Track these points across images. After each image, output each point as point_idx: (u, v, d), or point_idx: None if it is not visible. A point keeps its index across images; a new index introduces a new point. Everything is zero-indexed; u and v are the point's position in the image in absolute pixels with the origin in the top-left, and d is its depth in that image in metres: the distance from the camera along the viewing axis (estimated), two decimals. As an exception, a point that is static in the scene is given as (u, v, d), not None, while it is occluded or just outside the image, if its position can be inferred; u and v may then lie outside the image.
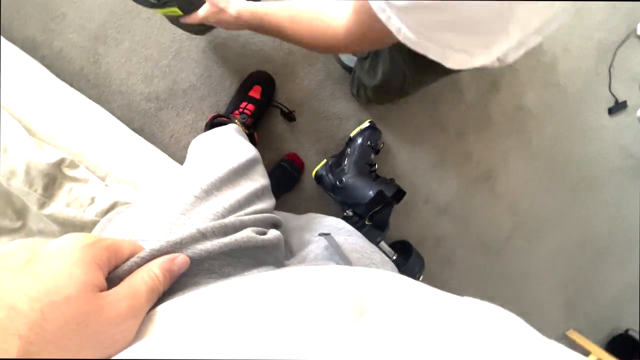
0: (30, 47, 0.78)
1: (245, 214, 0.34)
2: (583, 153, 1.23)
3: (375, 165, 0.94)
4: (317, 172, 0.96)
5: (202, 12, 0.57)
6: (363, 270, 0.23)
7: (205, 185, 0.35)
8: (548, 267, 1.34)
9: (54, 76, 0.74)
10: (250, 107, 0.82)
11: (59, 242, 0.18)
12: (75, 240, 0.18)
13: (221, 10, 0.55)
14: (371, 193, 0.85)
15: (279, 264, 0.35)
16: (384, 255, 0.45)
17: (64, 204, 0.55)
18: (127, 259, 0.22)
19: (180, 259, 0.23)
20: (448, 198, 1.13)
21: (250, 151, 0.45)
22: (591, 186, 1.28)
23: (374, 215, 0.85)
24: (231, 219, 0.31)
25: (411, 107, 1.01)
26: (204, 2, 0.57)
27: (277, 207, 0.97)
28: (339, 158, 0.95)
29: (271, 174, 0.94)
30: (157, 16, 0.81)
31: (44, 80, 0.70)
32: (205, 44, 0.85)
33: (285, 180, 0.95)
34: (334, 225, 0.51)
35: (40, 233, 0.57)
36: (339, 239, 0.41)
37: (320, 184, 0.96)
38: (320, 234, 0.37)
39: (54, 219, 0.54)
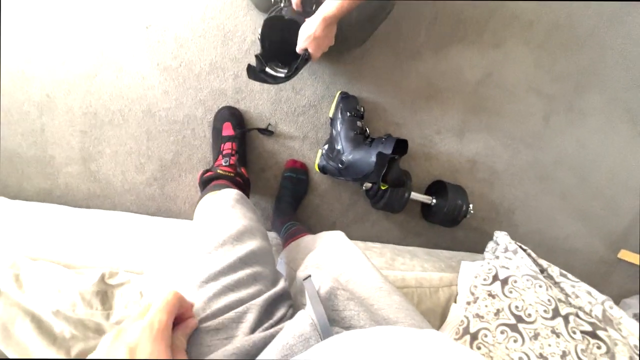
0: (45, 196, 0.90)
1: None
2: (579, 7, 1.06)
3: (366, 130, 0.91)
4: (318, 164, 0.96)
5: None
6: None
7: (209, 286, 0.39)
8: (605, 127, 1.18)
9: (72, 208, 0.85)
10: (229, 145, 0.85)
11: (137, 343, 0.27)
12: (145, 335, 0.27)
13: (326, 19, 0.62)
14: (373, 159, 0.83)
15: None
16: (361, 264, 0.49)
17: (123, 308, 0.63)
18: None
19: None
20: (459, 118, 1.05)
21: (225, 233, 0.46)
22: (608, 27, 1.09)
23: (386, 176, 0.83)
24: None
25: (372, 55, 0.96)
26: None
27: (300, 213, 1.00)
28: (330, 142, 0.94)
29: (282, 189, 0.97)
30: (117, 115, 0.88)
31: (67, 216, 0.80)
32: (165, 113, 0.90)
33: (297, 188, 0.97)
34: (323, 253, 0.53)
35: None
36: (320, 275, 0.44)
37: (327, 173, 0.96)
38: (304, 279, 0.40)
39: (122, 323, 0.62)
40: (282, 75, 0.73)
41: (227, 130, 0.88)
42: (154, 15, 0.84)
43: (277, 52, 0.74)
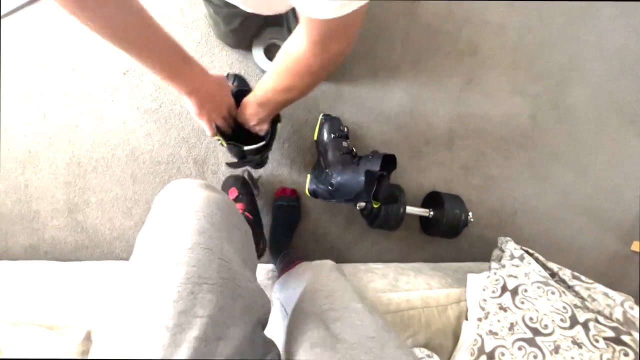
0: (32, 253, 0.88)
1: None
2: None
3: (353, 149, 0.90)
4: (309, 189, 0.94)
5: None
6: None
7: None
8: (594, 119, 1.17)
9: (59, 263, 0.82)
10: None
11: None
12: None
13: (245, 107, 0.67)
14: (362, 178, 0.81)
15: None
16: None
17: (111, 366, 0.59)
18: None
19: None
20: (446, 127, 1.05)
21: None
22: (579, 23, 1.11)
23: (377, 194, 0.81)
24: None
25: (350, 75, 0.97)
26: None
27: (296, 239, 0.97)
28: (318, 165, 0.92)
29: (274, 219, 0.94)
30: (100, 163, 0.87)
31: (53, 273, 0.77)
32: (149, 155, 0.89)
33: (289, 216, 0.94)
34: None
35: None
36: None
37: (319, 197, 0.94)
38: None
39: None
40: (262, 142, 0.69)
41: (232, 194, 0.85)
42: (131, 60, 0.85)
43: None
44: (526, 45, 1.08)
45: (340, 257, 1.01)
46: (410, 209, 0.95)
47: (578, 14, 1.11)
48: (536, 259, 0.79)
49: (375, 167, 0.78)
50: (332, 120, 0.92)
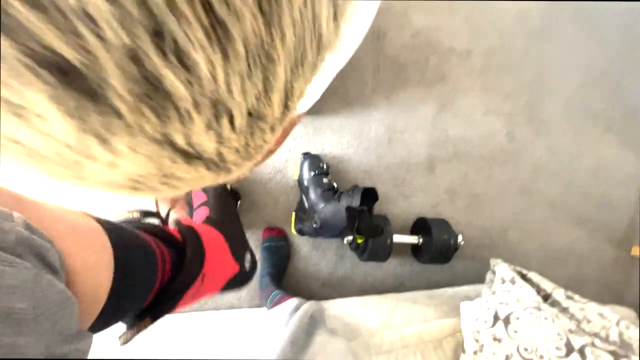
0: None
1: None
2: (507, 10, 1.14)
3: (334, 185, 0.91)
4: (294, 228, 0.94)
5: None
6: None
7: None
8: (571, 129, 1.19)
9: None
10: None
11: None
12: None
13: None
14: (344, 214, 0.82)
15: None
16: None
17: None
18: None
19: None
20: (425, 153, 1.06)
21: None
22: (540, 41, 1.17)
23: (360, 228, 0.81)
24: None
25: (325, 111, 1.00)
26: None
27: (287, 279, 0.95)
28: (301, 204, 0.93)
29: (263, 261, 0.93)
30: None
31: None
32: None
33: (278, 256, 0.94)
34: None
35: None
36: None
37: (305, 235, 0.94)
38: None
39: None
40: None
41: None
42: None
43: None
44: (493, 67, 1.12)
45: (334, 293, 0.99)
46: (398, 238, 0.94)
47: (537, 33, 1.16)
48: (529, 280, 0.78)
49: (356, 202, 0.79)
50: (311, 158, 0.93)
